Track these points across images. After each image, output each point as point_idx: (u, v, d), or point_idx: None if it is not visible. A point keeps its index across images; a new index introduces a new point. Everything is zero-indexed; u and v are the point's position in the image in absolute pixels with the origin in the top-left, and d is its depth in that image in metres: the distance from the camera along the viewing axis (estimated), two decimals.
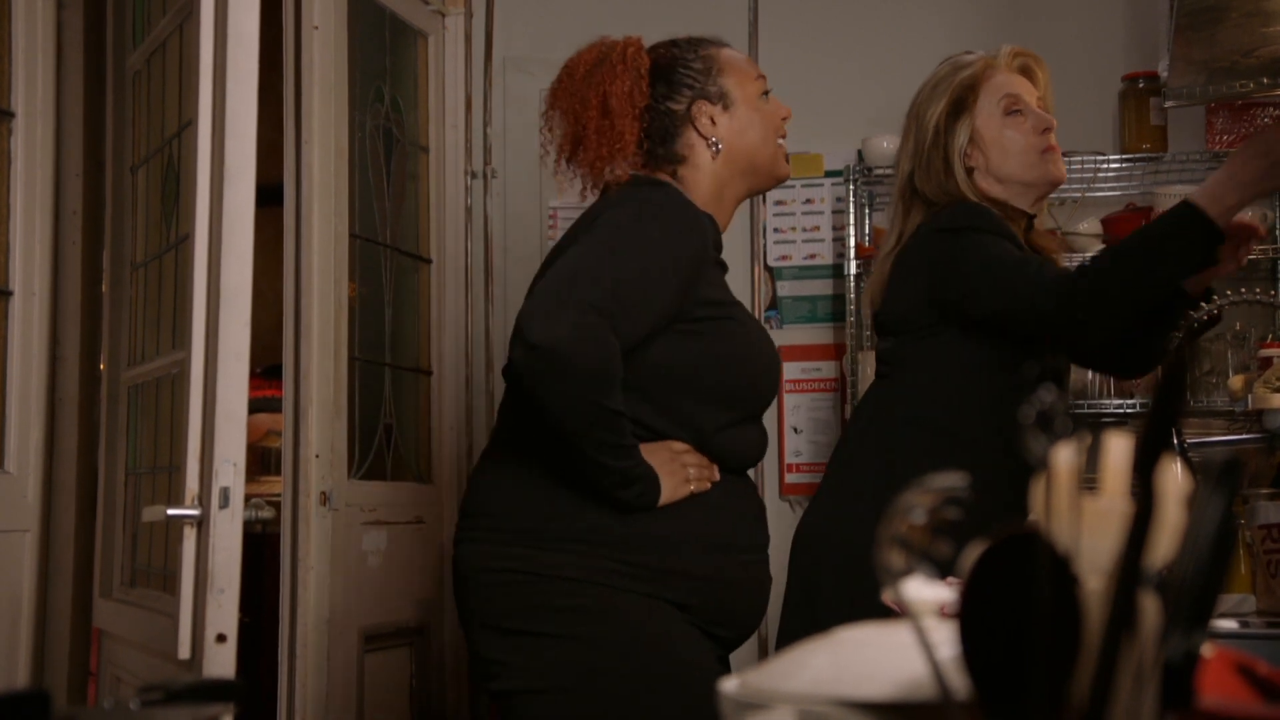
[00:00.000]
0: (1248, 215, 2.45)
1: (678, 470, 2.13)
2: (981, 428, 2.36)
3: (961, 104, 2.51)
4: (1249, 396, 2.81)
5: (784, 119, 2.35)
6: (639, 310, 2.07)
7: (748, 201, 4.02)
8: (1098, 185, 3.78)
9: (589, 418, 2.01)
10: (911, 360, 2.48)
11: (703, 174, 2.29)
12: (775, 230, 4.00)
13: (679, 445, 2.16)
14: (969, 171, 2.50)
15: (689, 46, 2.33)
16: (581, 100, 2.27)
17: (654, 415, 2.15)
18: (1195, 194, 2.22)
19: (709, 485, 2.16)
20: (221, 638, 2.35)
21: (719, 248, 2.26)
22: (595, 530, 2.11)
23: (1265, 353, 3.19)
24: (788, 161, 2.36)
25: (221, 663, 2.34)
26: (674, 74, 2.30)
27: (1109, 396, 3.59)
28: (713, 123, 2.29)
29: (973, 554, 0.73)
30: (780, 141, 2.34)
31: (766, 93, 2.34)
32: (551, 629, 2.10)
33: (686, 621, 2.14)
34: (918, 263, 2.46)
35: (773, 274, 3.98)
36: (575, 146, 2.28)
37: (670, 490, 2.12)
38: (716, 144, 2.28)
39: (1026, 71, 2.62)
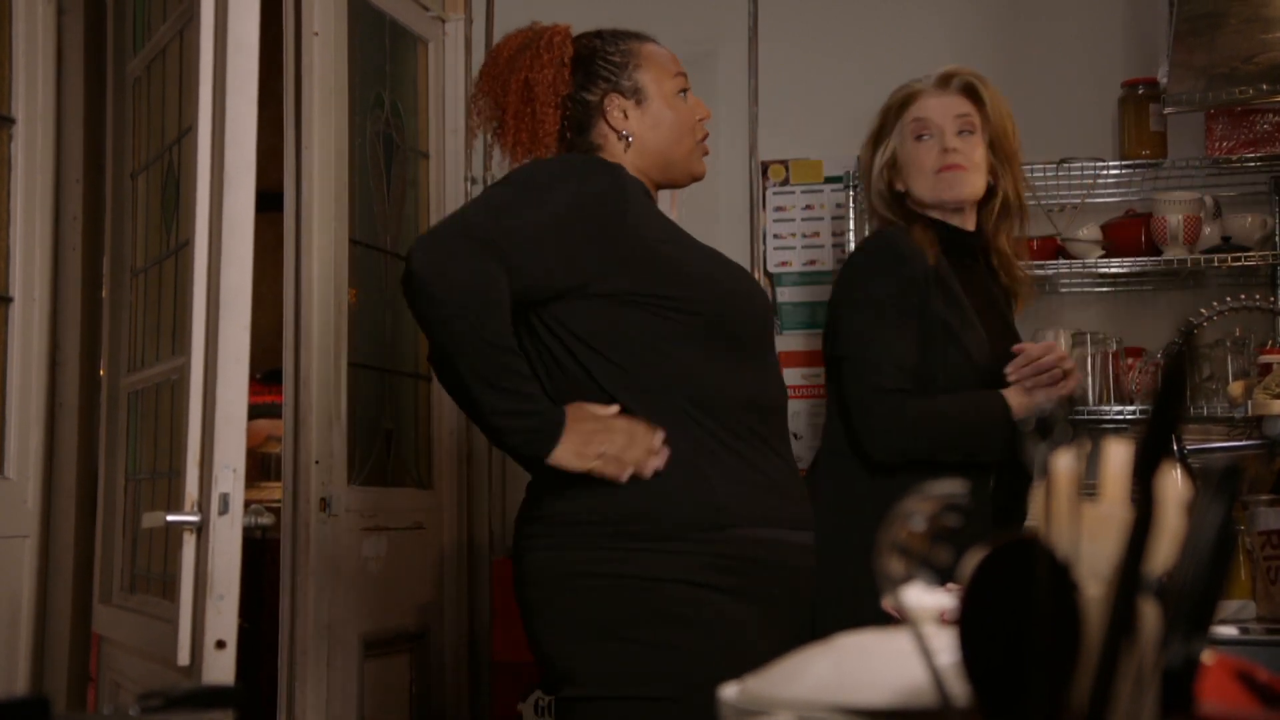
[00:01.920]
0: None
1: (596, 436, 2.07)
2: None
3: (883, 130, 2.76)
4: (1248, 402, 2.81)
5: (701, 119, 2.36)
6: (536, 243, 2.07)
7: (746, 208, 4.03)
8: (1097, 191, 3.78)
9: (462, 345, 2.03)
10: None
11: (622, 163, 2.30)
12: (775, 236, 4.00)
13: (618, 417, 2.10)
14: (902, 194, 2.73)
15: (611, 39, 2.35)
16: (503, 84, 2.30)
17: (647, 379, 2.13)
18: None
19: (630, 471, 2.07)
20: (221, 644, 2.35)
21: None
22: (679, 526, 2.08)
23: (1265, 359, 3.18)
24: (705, 159, 2.39)
25: (221, 669, 2.34)
26: (592, 64, 2.32)
27: (1109, 403, 3.59)
28: (624, 116, 2.30)
29: (973, 560, 0.73)
30: (700, 141, 2.36)
31: (685, 90, 2.36)
32: (637, 635, 2.07)
33: (763, 627, 2.12)
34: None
35: (773, 280, 3.98)
36: (497, 130, 2.32)
37: (573, 450, 2.05)
38: (627, 137, 2.30)
39: (970, 90, 2.72)
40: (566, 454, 2.06)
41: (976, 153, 2.68)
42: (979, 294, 2.70)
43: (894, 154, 2.73)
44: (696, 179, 2.39)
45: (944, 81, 2.73)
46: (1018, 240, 2.80)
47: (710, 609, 2.08)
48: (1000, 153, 2.71)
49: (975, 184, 2.69)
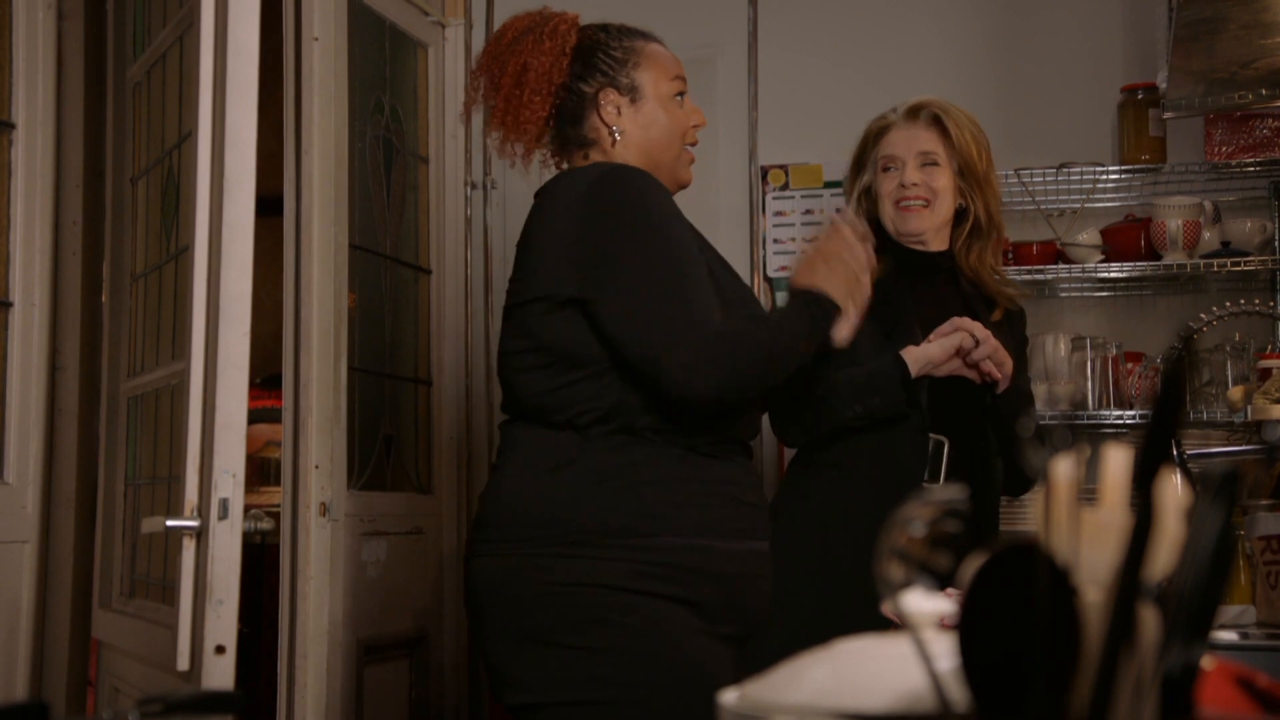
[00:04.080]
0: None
1: (841, 276, 2.21)
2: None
3: (860, 162, 2.85)
4: (1248, 408, 2.81)
5: (695, 125, 2.37)
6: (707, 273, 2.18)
7: (746, 212, 4.04)
8: (1097, 196, 3.79)
9: (775, 378, 2.17)
10: None
11: (612, 160, 2.30)
12: (775, 241, 4.01)
13: (809, 252, 2.25)
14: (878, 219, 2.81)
15: (616, 34, 2.35)
16: (501, 65, 2.30)
17: (640, 397, 2.15)
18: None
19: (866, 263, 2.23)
20: (220, 649, 2.35)
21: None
22: (603, 530, 2.10)
23: (1264, 364, 3.19)
24: (692, 167, 2.41)
25: (220, 674, 2.34)
26: (593, 57, 2.32)
27: (1108, 408, 3.59)
28: (617, 112, 2.31)
29: (972, 566, 0.73)
30: (688, 148, 2.37)
31: (682, 95, 2.36)
32: (571, 640, 2.09)
33: (697, 628, 2.14)
34: None
35: (772, 285, 3.98)
36: (490, 109, 2.33)
37: (843, 297, 2.21)
38: (616, 133, 2.30)
39: (936, 122, 2.77)
40: (843, 302, 2.21)
41: (938, 183, 2.75)
42: (933, 307, 2.73)
43: (869, 183, 2.83)
44: (682, 186, 2.39)
45: (912, 114, 2.79)
46: (992, 253, 2.82)
47: (636, 613, 2.09)
48: (969, 178, 2.77)
49: (935, 216, 2.77)
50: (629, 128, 2.31)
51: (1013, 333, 2.81)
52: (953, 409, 2.65)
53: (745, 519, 2.21)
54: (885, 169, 2.79)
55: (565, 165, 2.37)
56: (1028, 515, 3.30)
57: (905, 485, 2.62)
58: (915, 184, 2.74)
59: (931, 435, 2.63)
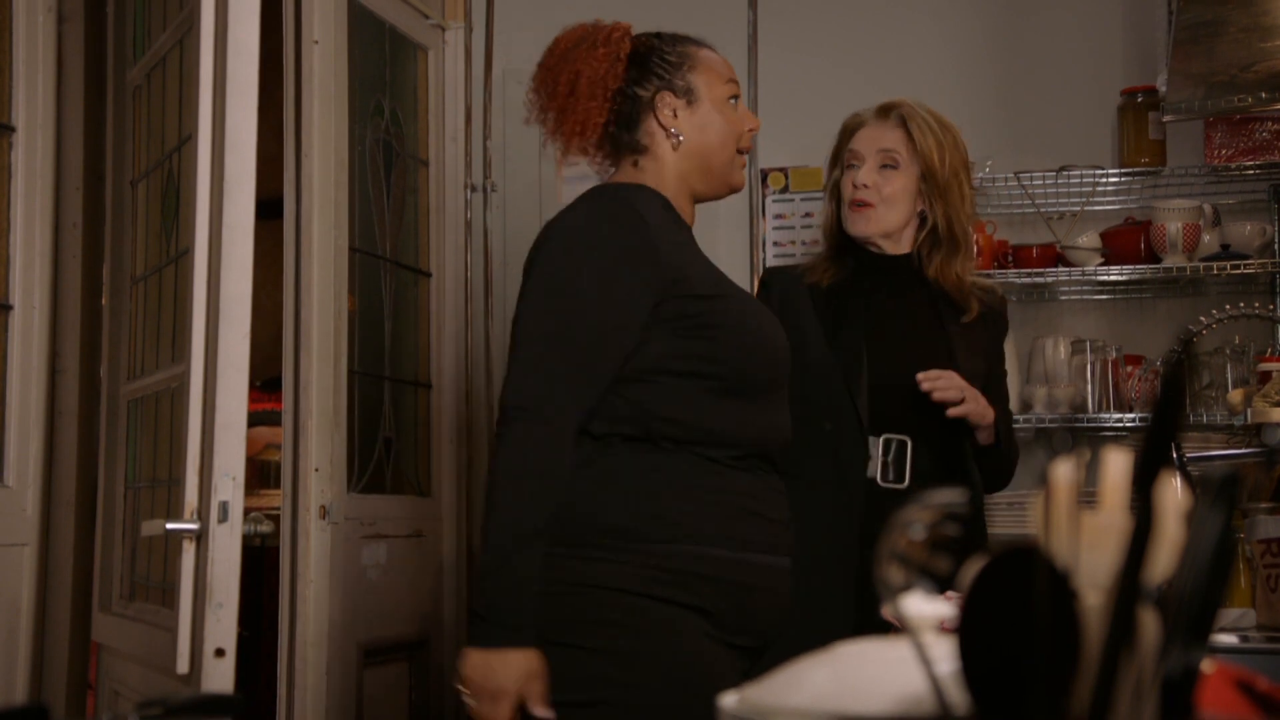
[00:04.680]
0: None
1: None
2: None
3: (835, 157, 2.84)
4: (1248, 411, 2.81)
5: (750, 130, 2.37)
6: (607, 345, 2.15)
7: (746, 215, 4.03)
8: (1097, 199, 3.79)
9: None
10: None
11: (664, 166, 2.31)
12: (775, 244, 4.01)
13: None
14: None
15: (670, 39, 2.36)
16: (554, 76, 2.31)
17: (666, 407, 2.15)
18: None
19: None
20: (220, 652, 2.35)
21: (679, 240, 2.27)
22: (621, 533, 2.09)
23: (1264, 367, 3.19)
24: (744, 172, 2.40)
25: (220, 677, 2.34)
26: (648, 61, 2.33)
27: (1108, 411, 3.59)
28: (674, 115, 2.31)
29: (972, 569, 0.73)
30: (739, 153, 2.37)
31: (735, 98, 2.36)
32: (585, 642, 2.08)
33: (710, 635, 2.14)
34: None
35: None
36: (547, 124, 2.33)
37: None
38: (676, 135, 2.31)
39: (903, 123, 2.76)
40: None
41: (892, 187, 2.72)
42: (898, 308, 2.73)
43: (837, 179, 2.81)
44: (735, 190, 2.40)
45: (883, 112, 2.78)
46: (960, 266, 2.77)
47: (646, 617, 2.09)
48: (931, 185, 2.72)
49: (884, 219, 2.73)
50: (687, 129, 2.31)
51: (990, 332, 2.79)
52: (925, 410, 2.63)
53: (763, 532, 2.20)
54: (849, 165, 2.77)
55: (614, 169, 2.37)
56: (1026, 517, 3.30)
57: (850, 486, 2.62)
58: (865, 185, 2.72)
59: (891, 436, 2.62)
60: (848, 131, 2.81)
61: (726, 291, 2.27)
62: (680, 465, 2.15)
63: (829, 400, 2.64)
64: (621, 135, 2.32)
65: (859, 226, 2.74)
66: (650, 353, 2.15)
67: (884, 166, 2.73)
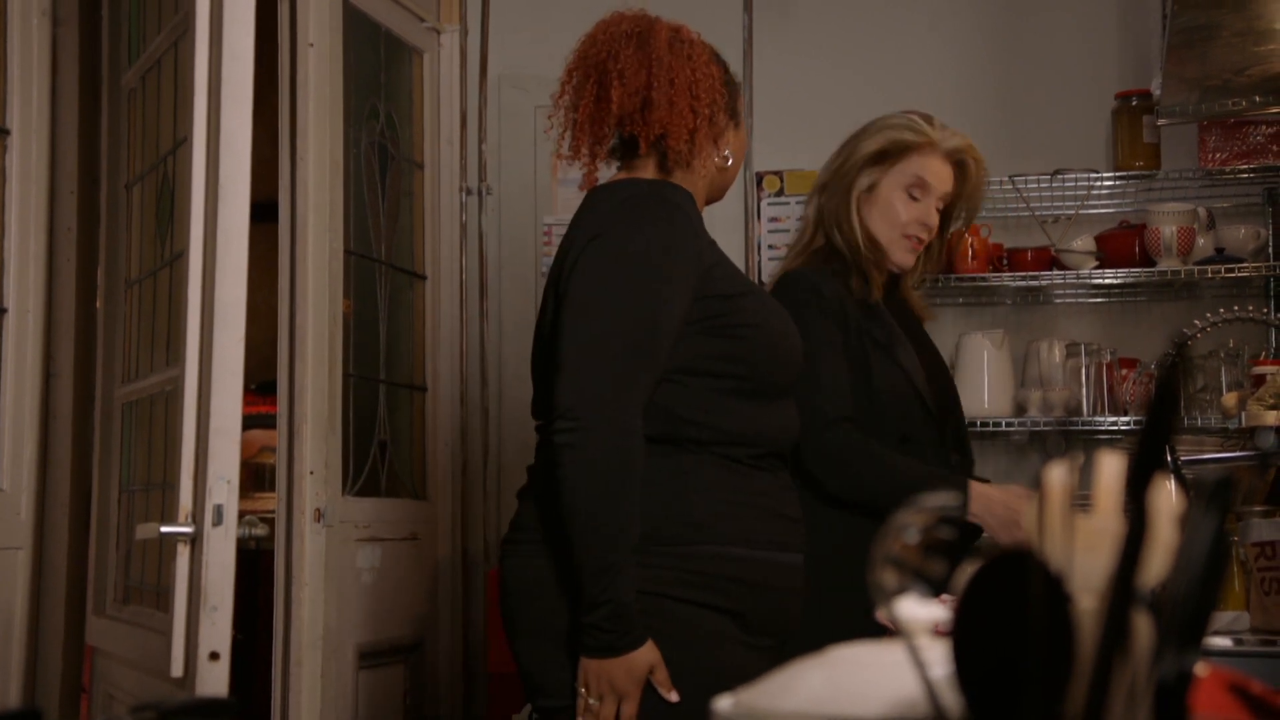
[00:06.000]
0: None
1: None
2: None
3: (885, 155, 2.66)
4: (1242, 414, 2.81)
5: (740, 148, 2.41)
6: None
7: (742, 218, 4.04)
8: (1091, 202, 3.79)
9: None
10: None
11: (697, 179, 2.31)
12: (770, 247, 4.01)
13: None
14: (859, 208, 2.69)
15: (723, 63, 2.35)
16: (666, 67, 2.21)
17: (689, 408, 2.15)
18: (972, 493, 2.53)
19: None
20: (215, 655, 2.35)
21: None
22: (650, 537, 2.08)
23: (1258, 370, 3.19)
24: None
25: (214, 681, 2.34)
26: (728, 86, 2.34)
27: (1102, 414, 3.59)
28: (729, 138, 2.34)
29: (966, 572, 0.73)
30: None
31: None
32: None
33: (735, 638, 2.13)
34: None
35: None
36: (637, 107, 2.21)
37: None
38: (728, 157, 2.33)
39: (962, 166, 2.71)
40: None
41: (936, 225, 2.71)
42: (900, 319, 2.73)
43: (875, 182, 2.67)
44: (717, 199, 2.44)
45: (955, 150, 2.68)
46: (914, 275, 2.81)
47: (676, 620, 2.08)
48: (946, 213, 2.73)
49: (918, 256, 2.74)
50: (735, 151, 2.34)
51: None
52: (935, 419, 2.64)
53: (784, 531, 2.21)
54: (913, 195, 2.65)
55: (618, 165, 2.34)
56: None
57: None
58: (930, 228, 2.67)
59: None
60: (920, 149, 2.66)
61: (749, 289, 2.28)
62: (705, 467, 2.15)
63: (904, 418, 2.60)
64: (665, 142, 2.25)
65: (908, 261, 2.69)
66: (677, 352, 2.15)
67: (939, 209, 2.69)
